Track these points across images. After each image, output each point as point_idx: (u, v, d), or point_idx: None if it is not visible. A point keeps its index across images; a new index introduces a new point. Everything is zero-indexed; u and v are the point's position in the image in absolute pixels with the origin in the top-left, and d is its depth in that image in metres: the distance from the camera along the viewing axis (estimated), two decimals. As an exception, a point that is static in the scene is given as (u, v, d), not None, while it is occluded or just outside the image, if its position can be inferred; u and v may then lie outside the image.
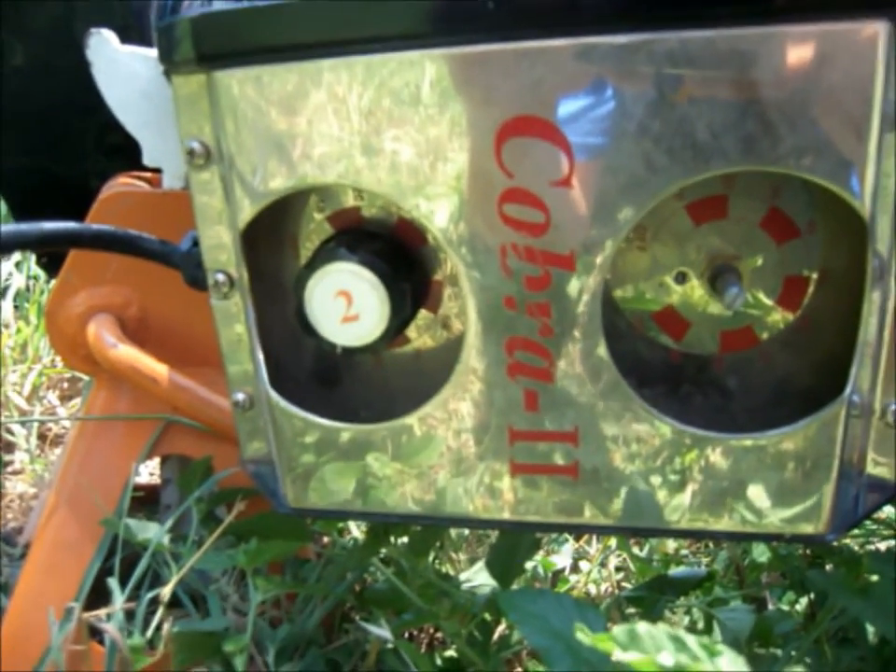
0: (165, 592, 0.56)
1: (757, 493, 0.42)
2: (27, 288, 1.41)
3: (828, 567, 0.60)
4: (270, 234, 0.45)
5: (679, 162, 0.35)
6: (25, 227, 0.45)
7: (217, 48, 0.39)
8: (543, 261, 0.38)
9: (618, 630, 0.29)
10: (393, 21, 0.36)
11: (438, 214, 0.38)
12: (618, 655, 0.28)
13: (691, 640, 0.28)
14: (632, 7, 0.34)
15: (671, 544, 0.80)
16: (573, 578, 0.79)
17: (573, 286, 0.38)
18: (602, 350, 0.39)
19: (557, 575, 0.79)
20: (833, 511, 0.41)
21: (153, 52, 0.61)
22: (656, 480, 0.42)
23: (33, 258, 1.36)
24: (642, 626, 0.29)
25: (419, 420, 0.43)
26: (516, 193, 0.37)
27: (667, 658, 0.27)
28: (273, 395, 0.45)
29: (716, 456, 0.41)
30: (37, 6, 0.70)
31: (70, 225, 0.47)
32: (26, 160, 0.75)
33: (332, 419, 0.45)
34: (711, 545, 0.84)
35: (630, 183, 0.36)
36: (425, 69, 0.36)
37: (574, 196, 0.37)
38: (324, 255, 0.41)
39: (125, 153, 0.68)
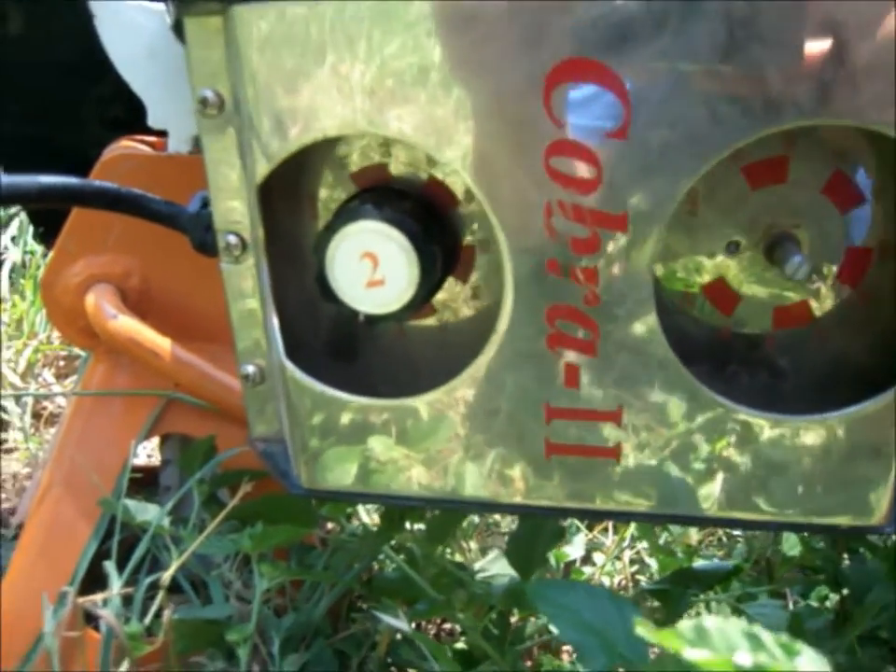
0: (165, 577, 0.54)
1: (809, 480, 0.39)
2: (23, 263, 1.38)
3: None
4: (287, 192, 0.41)
5: (747, 114, 0.32)
6: (23, 180, 0.42)
7: (236, -20, 0.35)
8: (592, 222, 0.35)
9: (684, 625, 0.26)
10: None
11: (475, 167, 0.35)
12: (688, 654, 0.25)
13: (767, 637, 0.25)
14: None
15: (694, 536, 0.78)
16: (586, 570, 0.77)
17: (625, 250, 0.35)
18: (653, 322, 0.36)
19: (569, 566, 0.76)
20: (892, 501, 0.38)
21: (159, 6, 0.58)
22: (702, 464, 0.39)
23: (30, 231, 1.33)
24: (710, 621, 0.26)
25: (446, 396, 0.40)
26: (565, 145, 0.34)
27: (745, 658, 0.24)
28: (290, 366, 0.41)
29: (767, 441, 0.38)
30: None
31: (71, 180, 0.44)
32: (23, 127, 0.73)
33: (350, 394, 0.42)
34: (725, 538, 0.82)
35: (692, 136, 0.33)
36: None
37: (629, 149, 0.33)
38: (348, 213, 0.38)
39: (125, 124, 0.65)
